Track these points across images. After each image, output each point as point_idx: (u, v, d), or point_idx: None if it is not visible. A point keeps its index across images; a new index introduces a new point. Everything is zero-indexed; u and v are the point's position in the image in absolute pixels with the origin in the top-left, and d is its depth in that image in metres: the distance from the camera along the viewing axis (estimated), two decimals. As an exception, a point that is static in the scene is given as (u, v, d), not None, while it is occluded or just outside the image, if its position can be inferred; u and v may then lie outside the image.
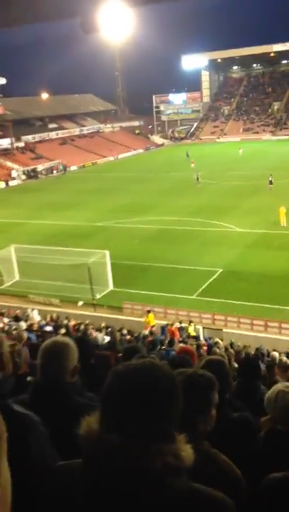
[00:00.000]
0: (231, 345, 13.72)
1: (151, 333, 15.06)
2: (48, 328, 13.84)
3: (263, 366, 8.36)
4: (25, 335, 8.26)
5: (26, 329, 12.08)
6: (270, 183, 40.13)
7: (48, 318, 17.18)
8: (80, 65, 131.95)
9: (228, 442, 2.27)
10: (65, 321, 15.72)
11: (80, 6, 16.06)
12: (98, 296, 21.36)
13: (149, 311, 18.07)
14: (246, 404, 3.72)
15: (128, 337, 12.22)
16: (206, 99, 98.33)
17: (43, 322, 16.06)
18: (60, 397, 2.39)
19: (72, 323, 15.65)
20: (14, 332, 10.06)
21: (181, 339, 14.15)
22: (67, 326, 14.02)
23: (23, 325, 13.10)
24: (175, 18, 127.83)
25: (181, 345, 9.10)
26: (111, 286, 22.33)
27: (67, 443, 1.59)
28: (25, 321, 16.24)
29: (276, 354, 11.33)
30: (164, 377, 1.35)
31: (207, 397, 2.14)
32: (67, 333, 11.50)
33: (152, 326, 16.79)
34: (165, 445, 1.28)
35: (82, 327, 14.50)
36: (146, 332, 15.50)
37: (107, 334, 12.50)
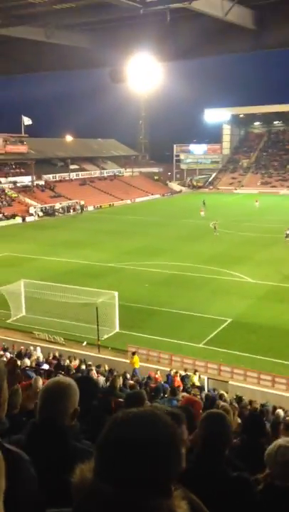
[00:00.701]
0: (238, 399, 13.32)
1: (151, 379, 14.71)
2: (46, 367, 13.61)
3: (267, 424, 8.07)
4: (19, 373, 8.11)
5: (28, 367, 11.93)
6: (287, 236, 40.28)
7: (51, 357, 16.98)
8: (106, 111, 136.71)
9: (224, 502, 2.15)
10: (67, 361, 15.46)
11: (110, 57, 16.84)
12: (104, 338, 21.13)
13: (134, 353, 17.88)
14: (248, 462, 3.56)
15: (131, 382, 11.95)
16: (226, 151, 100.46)
17: (41, 359, 15.84)
18: (57, 440, 2.29)
19: (74, 363, 15.41)
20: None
21: (185, 388, 13.80)
22: (68, 367, 13.78)
23: (27, 361, 12.92)
24: (200, 72, 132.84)
25: (184, 394, 8.87)
26: (117, 328, 22.11)
27: (59, 489, 1.51)
28: (29, 357, 16.07)
29: (281, 412, 10.94)
30: (164, 428, 1.27)
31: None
32: (67, 374, 11.30)
33: (135, 369, 16.52)
34: (161, 501, 1.20)
35: (83, 367, 14.26)
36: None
37: (107, 378, 12.25)
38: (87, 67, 18.89)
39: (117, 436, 1.25)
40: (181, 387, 13.81)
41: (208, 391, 14.30)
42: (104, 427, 1.30)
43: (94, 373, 13.88)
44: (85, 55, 17.09)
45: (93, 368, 14.13)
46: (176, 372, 16.41)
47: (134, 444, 1.22)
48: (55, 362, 15.73)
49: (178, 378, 15.86)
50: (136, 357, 17.64)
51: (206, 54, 16.67)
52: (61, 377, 2.62)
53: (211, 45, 15.30)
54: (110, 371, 15.32)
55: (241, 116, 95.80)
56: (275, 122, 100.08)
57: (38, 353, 17.61)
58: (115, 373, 13.75)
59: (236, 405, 10.59)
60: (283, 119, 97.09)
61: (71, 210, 66.78)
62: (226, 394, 13.66)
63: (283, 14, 13.53)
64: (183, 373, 16.38)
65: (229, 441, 2.95)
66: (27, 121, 74.88)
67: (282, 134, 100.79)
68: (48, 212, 64.83)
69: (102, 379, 12.11)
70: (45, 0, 12.49)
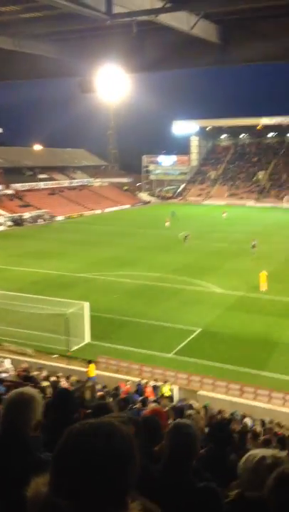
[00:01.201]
0: (205, 408, 13.35)
1: (120, 389, 14.60)
2: (3, 375, 13.29)
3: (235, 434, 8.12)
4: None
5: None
6: (253, 246, 40.88)
7: (20, 369, 16.63)
8: (75, 121, 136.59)
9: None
10: (36, 372, 15.18)
11: (79, 67, 16.89)
12: (73, 349, 20.88)
13: (90, 361, 17.82)
14: (215, 472, 3.56)
15: (100, 393, 11.82)
16: (194, 162, 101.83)
17: (11, 372, 15.50)
18: (19, 451, 2.25)
19: (43, 375, 15.15)
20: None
21: (154, 398, 13.75)
22: (36, 377, 13.53)
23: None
24: (169, 85, 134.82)
25: (153, 405, 8.82)
26: (87, 339, 21.90)
27: (19, 501, 1.47)
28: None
29: (249, 421, 11.03)
30: (121, 439, 1.24)
31: None
32: (35, 385, 11.08)
33: (90, 378, 16.41)
34: None
35: (52, 379, 14.03)
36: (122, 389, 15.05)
37: (76, 389, 12.07)
38: (56, 77, 18.88)
39: (72, 448, 1.21)
40: (152, 398, 13.75)
41: (178, 401, 14.28)
42: (60, 439, 1.26)
43: (63, 384, 13.67)
44: (54, 65, 17.08)
45: (62, 379, 13.91)
46: (147, 383, 16.35)
47: (90, 456, 1.18)
48: (24, 374, 15.41)
49: (148, 389, 15.79)
50: (92, 365, 17.56)
51: (173, 67, 16.93)
52: (25, 388, 2.58)
53: (178, 58, 15.56)
54: (78, 382, 15.13)
55: (209, 128, 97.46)
56: (241, 135, 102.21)
57: (7, 365, 17.21)
58: (85, 384, 13.57)
59: (203, 415, 10.61)
60: (249, 132, 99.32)
61: (40, 220, 66.12)
62: (195, 403, 13.68)
63: (247, 30, 13.90)
64: (153, 383, 16.32)
65: (196, 452, 2.94)
66: (-4, 130, 74.07)
67: (248, 147, 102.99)
68: (17, 222, 63.98)
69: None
70: (13, 9, 12.44)
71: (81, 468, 1.17)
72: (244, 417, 12.89)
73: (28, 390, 2.55)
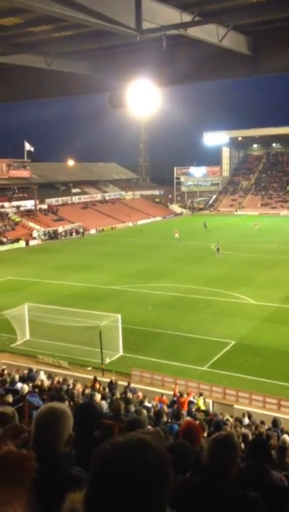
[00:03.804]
0: (249, 417, 13.04)
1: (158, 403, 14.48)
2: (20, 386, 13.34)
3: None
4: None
5: (31, 391, 11.77)
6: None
7: (55, 381, 16.79)
8: (107, 136, 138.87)
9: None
10: (70, 385, 15.25)
11: (110, 83, 17.17)
12: (107, 361, 20.92)
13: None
14: (253, 489, 3.46)
15: (132, 407, 11.74)
16: (226, 173, 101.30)
17: (46, 384, 15.64)
18: (51, 467, 2.24)
19: (78, 387, 15.21)
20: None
21: (189, 412, 13.56)
22: (71, 391, 13.58)
23: (26, 388, 12.74)
24: (199, 97, 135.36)
25: (188, 418, 8.68)
26: (121, 352, 21.91)
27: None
28: (33, 381, 15.89)
29: (287, 437, 10.71)
30: (154, 458, 1.20)
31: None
32: (70, 398, 11.13)
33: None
34: None
35: (87, 391, 14.07)
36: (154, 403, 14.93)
37: (111, 401, 12.05)
38: (86, 93, 19.24)
39: (103, 470, 1.19)
40: (186, 411, 13.57)
41: (215, 415, 14.03)
42: (92, 460, 1.25)
43: (97, 398, 13.68)
44: (84, 81, 17.43)
45: (96, 393, 13.90)
46: (181, 396, 16.16)
47: (121, 476, 1.16)
48: (59, 386, 15.53)
49: (183, 399, 15.59)
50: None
51: (203, 79, 16.98)
52: (55, 403, 2.58)
53: (208, 70, 15.60)
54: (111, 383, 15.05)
55: (239, 139, 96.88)
56: (273, 144, 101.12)
57: (42, 377, 17.41)
58: (117, 396, 13.54)
59: (240, 430, 10.37)
60: (281, 141, 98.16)
61: (73, 233, 67.09)
62: (230, 419, 13.41)
63: (276, 40, 13.82)
64: (188, 396, 16.11)
65: (237, 464, 2.90)
66: (29, 147, 75.90)
67: (280, 156, 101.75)
68: (51, 236, 65.14)
69: (104, 404, 11.92)
70: (45, 28, 12.80)
71: (113, 488, 1.16)
72: (282, 431, 12.54)
73: (58, 404, 2.55)
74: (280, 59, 14.03)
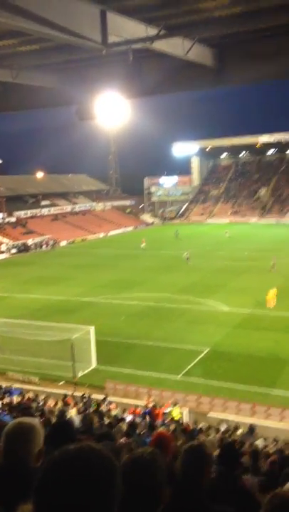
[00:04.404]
0: (216, 430, 13.12)
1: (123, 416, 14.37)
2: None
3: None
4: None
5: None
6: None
7: (26, 398, 16.48)
8: (76, 147, 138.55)
9: None
10: (41, 402, 14.98)
11: (78, 95, 17.22)
12: (80, 375, 20.70)
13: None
14: (225, 494, 3.49)
15: (105, 419, 11.65)
16: (196, 182, 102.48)
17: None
18: (22, 482, 2.22)
19: (49, 402, 14.98)
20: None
21: (163, 422, 13.54)
22: (42, 409, 13.35)
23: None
24: (168, 108, 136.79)
25: (161, 429, 8.65)
26: (94, 364, 21.72)
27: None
28: (2, 399, 15.56)
29: (260, 442, 10.83)
30: (99, 464, 1.23)
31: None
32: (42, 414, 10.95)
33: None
34: None
35: (58, 405, 13.86)
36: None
37: (84, 416, 11.91)
38: (54, 106, 19.22)
39: (51, 477, 1.22)
40: (160, 422, 13.55)
41: (188, 425, 14.05)
42: (41, 469, 1.27)
43: (70, 412, 13.51)
44: (51, 94, 17.42)
45: (69, 407, 13.73)
46: (155, 406, 16.13)
47: (69, 484, 1.19)
48: (28, 403, 15.24)
49: (158, 412, 15.56)
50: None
51: (170, 91, 17.22)
52: (24, 418, 2.56)
53: (175, 82, 15.84)
54: (85, 409, 14.94)
55: (209, 148, 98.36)
56: (241, 154, 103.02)
57: (12, 394, 17.06)
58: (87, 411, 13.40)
59: (215, 437, 10.43)
60: (249, 150, 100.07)
61: (43, 246, 66.44)
62: (205, 427, 13.45)
63: (240, 53, 14.18)
64: (162, 406, 16.10)
65: (209, 474, 2.91)
66: (-5, 159, 75.10)
67: (249, 165, 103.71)
68: (21, 249, 64.30)
69: (76, 418, 11.77)
70: (10, 43, 12.76)
71: (61, 496, 1.18)
72: (255, 436, 12.67)
73: (27, 419, 2.54)
74: (243, 71, 14.40)
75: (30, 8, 9.36)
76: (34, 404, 14.39)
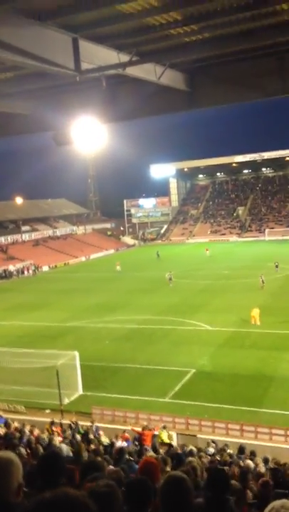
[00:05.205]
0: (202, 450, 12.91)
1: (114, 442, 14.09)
2: None
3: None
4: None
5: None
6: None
7: (12, 428, 16.04)
8: (54, 172, 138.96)
9: None
10: (27, 432, 14.62)
11: (54, 121, 17.34)
12: (66, 402, 20.30)
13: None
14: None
15: (93, 446, 11.40)
16: (175, 203, 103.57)
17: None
18: None
19: (35, 432, 14.61)
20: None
21: (153, 447, 13.30)
22: (20, 438, 13.00)
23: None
24: (145, 131, 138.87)
25: (150, 454, 8.47)
26: (80, 391, 21.34)
27: None
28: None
29: (250, 462, 10.70)
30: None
31: None
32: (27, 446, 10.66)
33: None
34: None
35: (45, 434, 13.52)
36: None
37: (72, 444, 11.63)
38: (29, 132, 19.32)
39: None
40: (149, 446, 13.31)
41: (177, 448, 13.84)
42: None
43: (57, 440, 13.18)
44: (28, 121, 17.52)
45: (54, 437, 13.39)
46: (144, 429, 15.85)
47: None
48: (11, 434, 14.83)
49: (146, 437, 15.29)
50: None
51: (146, 115, 17.50)
52: (1, 453, 2.48)
53: (149, 106, 16.12)
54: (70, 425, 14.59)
55: (185, 170, 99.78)
56: (217, 174, 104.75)
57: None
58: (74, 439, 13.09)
59: (204, 460, 10.28)
60: (224, 170, 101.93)
61: (25, 272, 65.84)
62: (194, 449, 13.27)
63: (211, 76, 14.56)
64: (152, 431, 15.83)
65: (191, 507, 2.82)
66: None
67: (225, 185, 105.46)
68: (2, 276, 63.55)
69: (64, 447, 11.48)
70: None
71: None
72: (246, 456, 12.52)
73: (5, 453, 2.47)
74: (215, 94, 14.76)
75: (3, 37, 9.47)
76: (17, 435, 14.01)
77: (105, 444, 13.66)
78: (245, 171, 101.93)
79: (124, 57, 12.34)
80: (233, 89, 14.37)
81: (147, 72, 13.56)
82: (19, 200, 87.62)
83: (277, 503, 2.34)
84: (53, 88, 16.01)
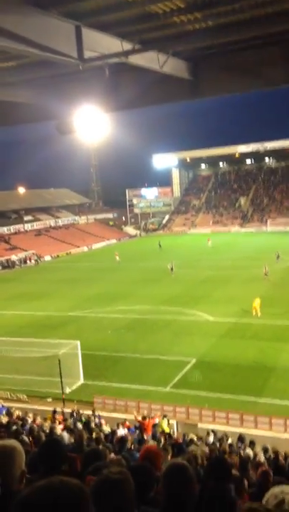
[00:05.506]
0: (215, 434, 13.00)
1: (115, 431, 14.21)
2: None
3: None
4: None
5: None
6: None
7: (15, 416, 16.18)
8: (57, 161, 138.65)
9: None
10: (29, 419, 14.75)
11: (57, 110, 17.24)
12: (68, 391, 20.45)
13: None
14: (216, 509, 3.45)
15: (94, 435, 11.49)
16: (177, 193, 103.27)
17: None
18: (4, 505, 2.18)
19: (38, 420, 14.74)
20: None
21: (153, 436, 13.42)
22: (22, 425, 13.12)
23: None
24: (148, 121, 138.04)
25: (150, 443, 8.56)
26: (82, 379, 21.49)
27: None
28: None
29: (250, 452, 10.79)
30: (68, 501, 1.24)
31: None
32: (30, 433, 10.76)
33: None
34: None
35: (47, 423, 13.64)
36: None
37: (74, 432, 11.72)
38: (32, 122, 19.21)
39: None
40: (150, 435, 13.42)
41: (177, 437, 13.96)
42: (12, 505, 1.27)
43: (59, 429, 13.29)
44: (30, 110, 17.41)
45: (56, 425, 13.52)
46: (145, 418, 15.98)
47: None
48: (20, 422, 14.96)
49: (146, 422, 15.42)
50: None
51: (148, 103, 17.36)
52: (5, 441, 2.52)
53: (151, 95, 15.99)
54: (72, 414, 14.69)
55: (188, 160, 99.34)
56: (220, 164, 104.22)
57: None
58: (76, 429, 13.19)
59: (205, 448, 10.37)
60: (227, 160, 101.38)
61: (28, 261, 65.95)
62: (195, 438, 13.38)
63: (214, 65, 14.42)
64: (152, 420, 15.96)
65: (194, 494, 2.85)
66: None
67: (228, 175, 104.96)
68: (5, 266, 63.68)
69: (66, 435, 11.59)
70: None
71: None
72: (247, 445, 12.64)
73: (7, 441, 2.50)
74: (218, 83, 14.62)
75: (7, 26, 9.38)
76: (19, 422, 14.12)
77: (106, 432, 13.78)
78: (248, 162, 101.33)
79: (128, 46, 12.22)
80: (237, 78, 14.24)
81: (150, 60, 13.42)
82: (22, 190, 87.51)
83: (276, 489, 2.38)
84: (56, 77, 15.89)
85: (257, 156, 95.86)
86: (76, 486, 1.28)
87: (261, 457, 10.13)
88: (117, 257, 57.09)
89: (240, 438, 13.77)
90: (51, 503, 1.22)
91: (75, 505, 1.23)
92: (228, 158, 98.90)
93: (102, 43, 11.73)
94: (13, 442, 2.48)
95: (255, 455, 10.61)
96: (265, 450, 11.96)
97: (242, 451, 11.01)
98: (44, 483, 1.27)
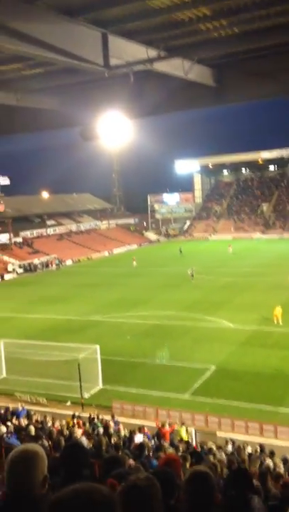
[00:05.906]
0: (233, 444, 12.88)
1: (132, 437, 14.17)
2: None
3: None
4: None
5: (8, 432, 11.40)
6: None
7: (34, 419, 16.31)
8: (80, 167, 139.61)
9: None
10: (49, 423, 14.83)
11: (81, 117, 17.44)
12: (87, 396, 20.51)
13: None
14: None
15: (114, 440, 11.49)
16: (198, 199, 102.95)
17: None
18: (28, 510, 2.20)
19: (57, 424, 14.82)
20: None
21: (171, 443, 13.33)
22: (41, 429, 13.20)
23: (3, 429, 12.35)
24: (170, 126, 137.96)
25: (170, 451, 8.51)
26: (101, 384, 21.54)
27: None
28: (11, 421, 15.40)
29: (270, 462, 10.63)
30: (101, 506, 1.24)
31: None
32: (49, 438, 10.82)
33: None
34: None
35: (66, 427, 13.70)
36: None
37: (93, 438, 11.75)
38: (58, 128, 19.46)
39: None
40: (168, 443, 13.34)
41: (196, 445, 13.84)
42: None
43: (78, 433, 13.34)
44: (55, 116, 17.65)
45: (75, 429, 13.57)
46: (163, 426, 15.92)
47: None
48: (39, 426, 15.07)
49: (165, 433, 15.34)
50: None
51: (172, 110, 17.41)
52: (27, 445, 2.53)
53: (176, 102, 16.04)
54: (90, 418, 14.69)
55: (210, 166, 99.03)
56: (243, 170, 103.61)
57: (20, 415, 16.89)
58: (96, 432, 13.22)
59: (224, 457, 10.26)
60: (250, 167, 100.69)
61: (50, 265, 66.61)
62: (214, 447, 13.25)
63: (239, 72, 14.40)
64: (170, 428, 15.87)
65: (216, 504, 2.83)
66: (3, 180, 75.85)
67: (250, 181, 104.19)
68: (27, 269, 64.46)
69: (84, 440, 11.61)
70: (14, 67, 13.00)
71: None
72: (267, 455, 12.44)
73: (30, 445, 2.52)
74: (243, 89, 14.58)
75: (35, 34, 9.55)
76: (41, 427, 14.23)
77: (124, 438, 13.76)
78: (271, 168, 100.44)
79: (153, 53, 12.29)
80: (261, 84, 14.17)
81: (175, 67, 13.47)
82: (45, 195, 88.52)
83: None
84: (81, 84, 16.09)
85: (280, 162, 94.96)
86: (107, 491, 1.28)
87: (281, 468, 9.98)
88: (134, 262, 57.18)
89: (260, 448, 13.57)
90: (86, 505, 1.22)
91: (109, 510, 1.24)
92: (251, 164, 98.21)
93: (128, 50, 11.83)
94: (35, 446, 2.50)
95: (275, 466, 10.45)
96: (285, 461, 11.77)
97: (261, 462, 10.85)
98: (78, 486, 1.28)
